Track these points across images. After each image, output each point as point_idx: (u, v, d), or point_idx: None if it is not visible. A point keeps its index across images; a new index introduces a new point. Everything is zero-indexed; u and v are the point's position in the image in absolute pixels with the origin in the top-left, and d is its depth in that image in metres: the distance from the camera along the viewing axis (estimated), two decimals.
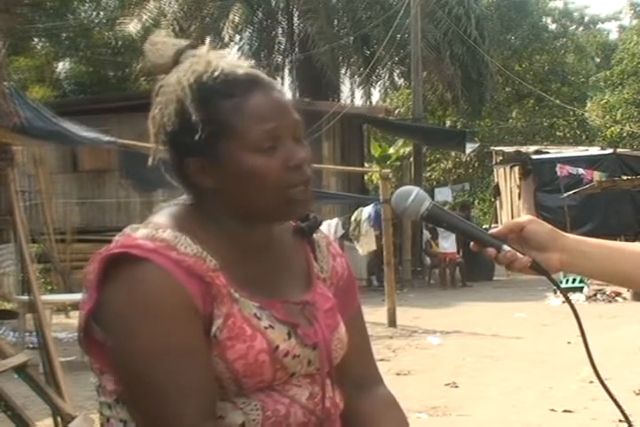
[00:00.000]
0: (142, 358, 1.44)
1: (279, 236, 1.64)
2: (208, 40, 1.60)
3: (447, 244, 19.06)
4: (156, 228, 1.52)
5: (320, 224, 1.72)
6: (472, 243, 1.63)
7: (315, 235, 1.71)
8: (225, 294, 1.50)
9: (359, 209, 14.74)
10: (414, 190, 1.60)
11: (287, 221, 1.64)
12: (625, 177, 19.94)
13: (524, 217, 1.67)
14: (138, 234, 1.51)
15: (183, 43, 1.59)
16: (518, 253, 1.60)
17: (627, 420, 1.63)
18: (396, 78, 27.75)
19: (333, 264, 1.72)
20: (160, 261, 1.46)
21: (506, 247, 1.60)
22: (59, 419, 5.58)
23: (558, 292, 14.75)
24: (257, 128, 1.51)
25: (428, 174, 31.42)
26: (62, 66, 26.67)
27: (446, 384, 8.28)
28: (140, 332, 1.44)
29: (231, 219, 1.57)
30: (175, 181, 1.60)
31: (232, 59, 1.57)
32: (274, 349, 1.52)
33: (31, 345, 9.02)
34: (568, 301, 1.66)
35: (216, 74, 1.52)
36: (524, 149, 25.97)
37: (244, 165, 1.51)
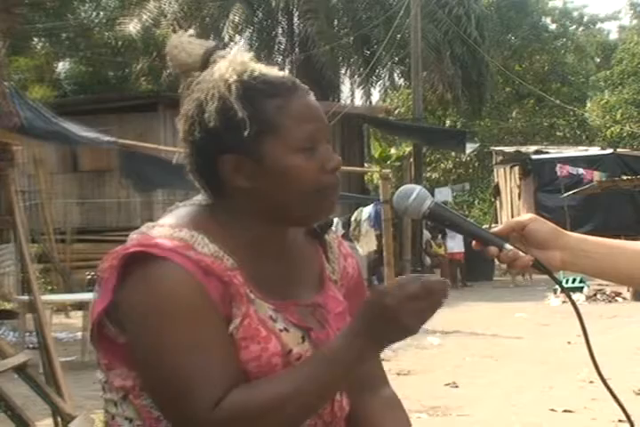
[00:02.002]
0: (170, 355, 1.43)
1: (294, 237, 1.64)
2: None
3: (453, 243, 19.02)
4: (173, 227, 1.52)
5: (332, 225, 1.72)
6: (474, 242, 1.62)
7: (326, 236, 1.71)
8: (243, 294, 1.50)
9: (359, 209, 14.73)
10: (416, 189, 1.60)
11: (310, 225, 1.64)
12: (625, 177, 19.95)
13: (526, 215, 1.66)
14: (155, 233, 1.51)
15: (211, 43, 1.62)
16: (520, 252, 1.59)
17: (628, 419, 1.62)
18: (396, 78, 27.77)
19: (344, 265, 1.72)
20: (179, 261, 1.46)
21: (508, 246, 1.59)
22: (59, 419, 5.58)
23: (558, 292, 14.76)
24: (300, 128, 1.53)
25: (429, 174, 31.41)
26: (62, 66, 26.65)
27: (446, 384, 8.28)
28: (165, 329, 1.44)
29: (255, 219, 1.56)
30: (199, 180, 1.59)
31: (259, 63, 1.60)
32: (287, 352, 1.51)
33: (31, 345, 9.02)
34: (570, 300, 1.66)
35: (255, 74, 1.55)
36: (524, 149, 25.99)
37: (285, 165, 1.52)
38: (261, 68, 1.56)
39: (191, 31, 1.64)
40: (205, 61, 1.58)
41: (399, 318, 1.44)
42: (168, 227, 1.52)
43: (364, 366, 1.71)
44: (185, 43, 1.60)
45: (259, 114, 1.52)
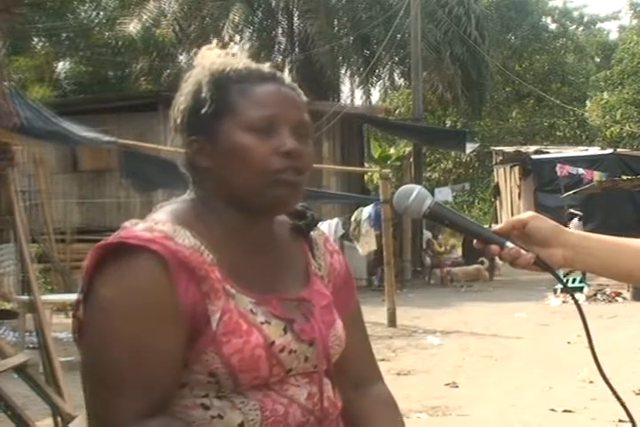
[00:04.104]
0: (110, 354, 1.45)
1: (278, 233, 1.65)
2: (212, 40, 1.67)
3: None
4: (155, 222, 1.54)
5: (317, 222, 1.72)
6: (475, 241, 1.62)
7: (312, 233, 1.71)
8: (219, 290, 1.51)
9: (359, 209, 14.71)
10: (416, 189, 1.59)
11: (275, 210, 1.62)
12: (625, 177, 19.95)
13: (527, 213, 1.66)
14: (137, 227, 1.52)
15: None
16: (522, 250, 1.59)
17: (630, 418, 1.62)
18: (396, 78, 27.76)
19: (331, 261, 1.73)
20: (156, 248, 1.47)
21: (509, 244, 1.59)
22: (59, 419, 5.58)
23: (558, 292, 14.75)
24: (256, 109, 1.56)
25: (428, 174, 31.43)
26: (62, 66, 26.63)
27: (446, 384, 8.28)
28: (111, 327, 1.45)
29: (224, 205, 1.58)
30: (184, 166, 1.64)
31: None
32: (270, 344, 1.52)
33: (31, 345, 9.02)
34: (573, 298, 1.66)
35: (240, 67, 1.60)
36: (523, 149, 26.01)
37: (235, 142, 1.55)
38: (250, 63, 1.62)
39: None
40: None
41: None
42: (151, 221, 1.54)
43: (357, 364, 1.72)
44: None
45: (221, 96, 1.57)
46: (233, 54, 1.63)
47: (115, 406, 1.44)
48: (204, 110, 1.56)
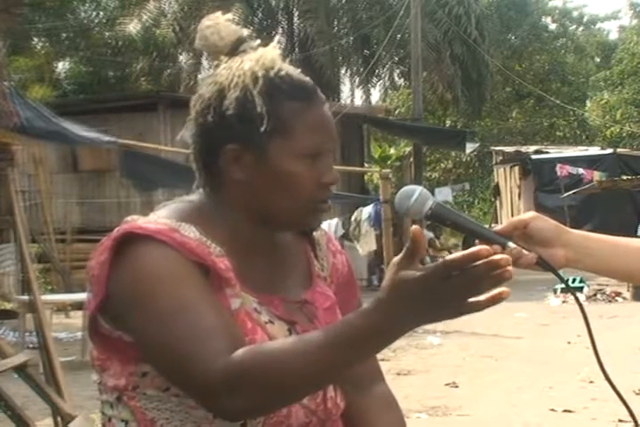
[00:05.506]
0: (162, 320, 1.41)
1: (281, 234, 1.65)
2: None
3: None
4: (158, 217, 1.54)
5: (320, 223, 1.72)
6: (477, 241, 1.62)
7: (315, 233, 1.71)
8: (232, 278, 1.50)
9: (359, 209, 14.72)
10: (417, 189, 1.59)
11: (298, 230, 1.64)
12: (625, 177, 19.97)
13: (528, 213, 1.66)
14: (139, 221, 1.52)
15: (245, 31, 1.64)
16: (524, 250, 1.59)
17: (632, 415, 1.62)
18: (396, 78, 27.76)
19: (333, 261, 1.73)
20: (164, 239, 1.46)
21: (511, 244, 1.58)
22: (59, 419, 5.58)
23: (558, 292, 14.75)
24: (310, 137, 1.54)
25: (429, 174, 31.43)
26: (62, 66, 26.66)
27: (446, 384, 8.28)
28: (152, 296, 1.42)
29: (240, 217, 1.57)
30: (197, 164, 1.60)
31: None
32: None
33: (31, 345, 9.01)
34: (575, 297, 1.66)
35: (282, 73, 1.56)
36: (523, 149, 26.03)
37: (287, 167, 1.53)
38: (289, 69, 1.58)
39: (229, 15, 1.66)
40: (235, 48, 1.61)
41: (441, 293, 1.27)
42: (153, 216, 1.54)
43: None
44: (220, 25, 1.63)
45: (275, 113, 1.53)
46: (265, 44, 1.60)
47: (198, 353, 1.38)
48: (262, 128, 1.52)
